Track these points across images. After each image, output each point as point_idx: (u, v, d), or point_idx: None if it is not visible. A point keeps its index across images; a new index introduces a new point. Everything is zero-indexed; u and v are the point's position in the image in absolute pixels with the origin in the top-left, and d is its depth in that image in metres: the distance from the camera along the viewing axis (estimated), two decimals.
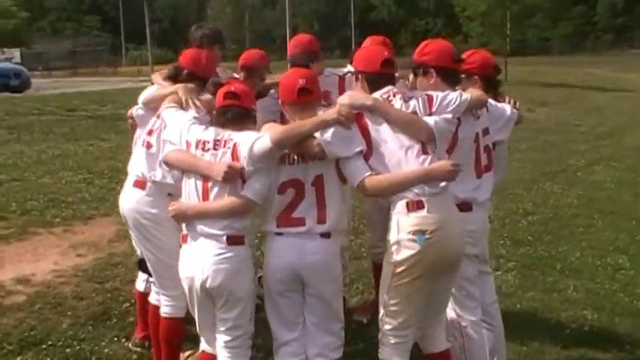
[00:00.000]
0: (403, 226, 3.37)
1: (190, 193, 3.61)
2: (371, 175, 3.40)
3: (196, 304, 3.65)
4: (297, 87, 3.49)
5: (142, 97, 4.27)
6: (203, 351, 3.80)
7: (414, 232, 3.33)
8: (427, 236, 3.32)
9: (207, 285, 3.51)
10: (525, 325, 5.14)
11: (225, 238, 3.50)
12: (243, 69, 4.78)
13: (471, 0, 32.93)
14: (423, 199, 3.36)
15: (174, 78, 4.11)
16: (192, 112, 3.84)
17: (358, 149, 3.41)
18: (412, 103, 3.53)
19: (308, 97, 3.51)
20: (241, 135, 3.52)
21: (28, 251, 6.79)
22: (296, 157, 3.49)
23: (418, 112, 3.52)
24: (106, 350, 4.68)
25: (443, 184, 3.42)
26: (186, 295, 3.68)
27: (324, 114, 3.43)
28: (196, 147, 3.59)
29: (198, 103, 3.89)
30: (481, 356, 3.92)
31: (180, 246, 3.66)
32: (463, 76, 4.03)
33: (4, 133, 13.86)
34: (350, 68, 4.08)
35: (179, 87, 3.98)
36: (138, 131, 4.37)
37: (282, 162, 3.51)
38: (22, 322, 5.07)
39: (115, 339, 4.84)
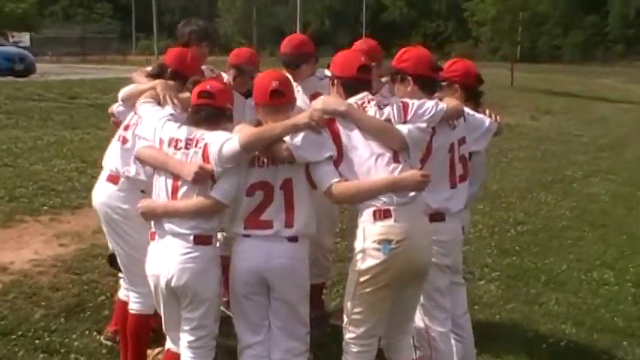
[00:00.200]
0: (369, 235, 3.33)
1: (160, 191, 3.59)
2: (339, 181, 3.36)
3: (162, 302, 3.64)
4: (270, 89, 3.46)
5: (121, 93, 4.23)
6: (168, 350, 3.78)
7: (380, 242, 3.30)
8: (393, 246, 3.29)
9: (173, 284, 3.49)
10: (502, 337, 5.11)
11: (192, 237, 3.48)
12: (233, 67, 4.74)
13: (481, 5, 32.80)
14: (391, 208, 3.32)
15: (158, 76, 4.06)
16: (168, 109, 3.81)
17: (328, 154, 3.38)
18: (387, 110, 3.49)
19: (280, 100, 3.48)
20: (212, 135, 3.49)
21: (13, 238, 6.77)
22: (266, 160, 3.46)
23: (392, 119, 3.48)
24: (76, 343, 4.64)
25: (412, 193, 3.38)
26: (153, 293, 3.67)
27: (296, 118, 3.40)
28: (169, 145, 3.57)
29: (175, 100, 3.85)
30: None
31: (149, 243, 3.64)
32: (444, 83, 3.99)
33: (2, 118, 13.85)
34: (327, 73, 4.04)
35: (157, 83, 3.94)
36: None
37: (251, 164, 3.48)
38: None
39: (87, 332, 4.81)
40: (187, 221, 3.48)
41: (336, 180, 3.36)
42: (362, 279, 3.37)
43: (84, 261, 6.10)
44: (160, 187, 3.59)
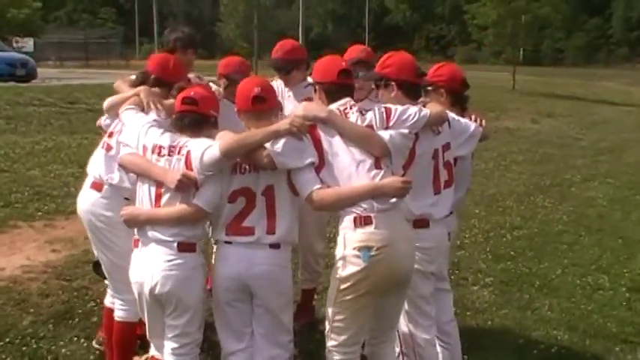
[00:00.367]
0: (349, 242, 3.31)
1: (143, 198, 3.59)
2: (320, 188, 3.34)
3: (146, 309, 3.63)
4: (252, 95, 3.45)
5: (105, 103, 4.19)
6: (153, 357, 3.77)
7: (360, 249, 3.28)
8: (373, 253, 3.27)
9: (157, 291, 3.48)
10: (493, 343, 5.07)
11: (175, 244, 3.47)
12: (222, 77, 4.71)
13: (482, 9, 32.74)
14: (372, 214, 3.30)
15: (141, 84, 4.04)
16: (152, 115, 3.80)
17: (309, 161, 3.36)
18: (369, 116, 3.48)
19: (262, 106, 3.46)
20: (195, 142, 3.48)
21: (5, 244, 6.76)
22: (247, 167, 3.46)
23: (374, 125, 3.46)
24: (63, 350, 4.63)
25: (393, 200, 3.35)
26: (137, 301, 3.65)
27: (277, 124, 3.38)
28: (152, 152, 3.56)
29: (159, 106, 3.84)
30: None
31: (132, 250, 3.62)
32: (430, 88, 3.98)
33: (1, 123, 13.82)
34: (310, 80, 4.03)
35: (141, 89, 3.93)
36: None
37: (233, 171, 3.47)
38: None
39: (75, 339, 4.79)
40: (171, 228, 3.48)
41: (317, 187, 3.34)
42: (343, 286, 3.35)
43: (75, 267, 6.08)
44: (143, 194, 3.58)
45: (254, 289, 3.47)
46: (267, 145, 3.33)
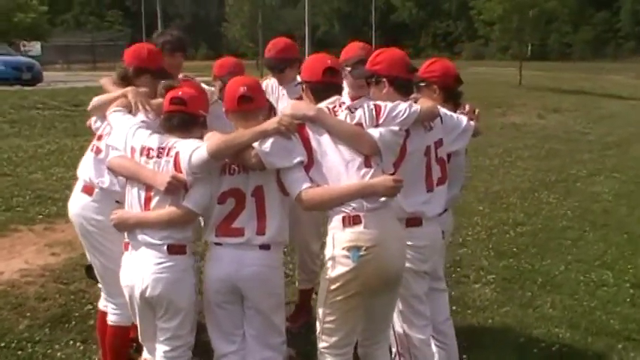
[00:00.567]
0: (338, 242, 3.26)
1: (132, 201, 3.55)
2: (309, 187, 3.29)
3: (137, 313, 3.60)
4: (238, 94, 3.41)
5: (91, 103, 4.15)
6: None
7: (349, 249, 3.23)
8: (362, 253, 3.22)
9: (147, 294, 3.46)
10: (493, 341, 5.02)
11: (165, 247, 3.45)
12: (217, 79, 4.66)
13: (488, 4, 32.57)
14: (361, 214, 3.25)
15: (125, 79, 4.02)
16: (140, 116, 3.76)
17: (298, 160, 3.31)
18: (358, 113, 3.43)
19: (249, 105, 3.42)
20: (183, 144, 3.45)
21: (5, 248, 6.75)
22: (236, 167, 3.42)
23: (364, 123, 3.41)
24: (59, 354, 4.61)
25: (383, 199, 3.30)
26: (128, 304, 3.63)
27: (265, 124, 3.33)
28: (141, 154, 3.53)
29: (147, 106, 3.80)
30: None
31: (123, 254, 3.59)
32: (422, 84, 3.92)
33: (6, 127, 13.84)
34: (299, 79, 3.98)
35: (129, 90, 3.89)
36: None
37: (222, 172, 3.43)
38: None
39: (71, 342, 4.77)
40: (160, 231, 3.45)
41: (306, 186, 3.29)
42: (332, 287, 3.30)
43: (73, 270, 6.05)
44: (133, 197, 3.55)
45: (244, 290, 3.44)
46: (255, 144, 3.28)
